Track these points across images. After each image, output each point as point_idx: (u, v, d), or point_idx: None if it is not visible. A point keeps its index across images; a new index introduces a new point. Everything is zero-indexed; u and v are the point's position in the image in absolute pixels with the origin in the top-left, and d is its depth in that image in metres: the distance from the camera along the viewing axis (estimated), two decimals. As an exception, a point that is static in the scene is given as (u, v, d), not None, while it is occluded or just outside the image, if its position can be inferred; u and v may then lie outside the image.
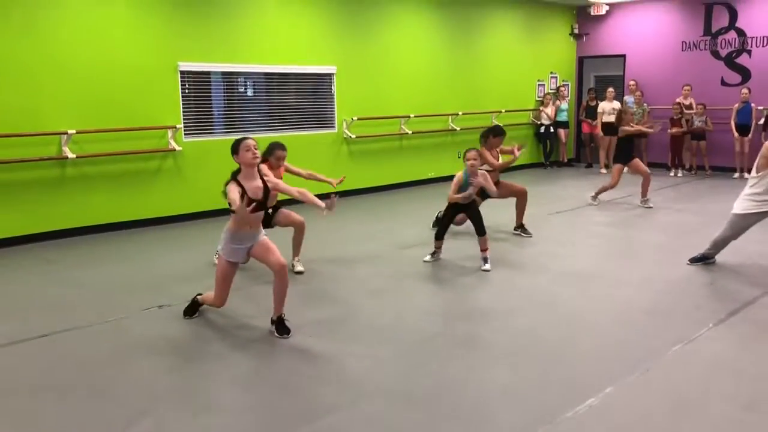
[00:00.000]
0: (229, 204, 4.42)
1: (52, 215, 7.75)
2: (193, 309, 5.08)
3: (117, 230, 8.19)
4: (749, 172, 11.81)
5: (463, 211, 6.54)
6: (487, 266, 6.29)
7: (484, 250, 6.38)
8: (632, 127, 9.45)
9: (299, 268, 6.25)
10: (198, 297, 5.07)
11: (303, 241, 6.31)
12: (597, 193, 9.74)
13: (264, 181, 4.67)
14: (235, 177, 4.58)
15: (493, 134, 7.58)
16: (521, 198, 7.74)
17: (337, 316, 5.11)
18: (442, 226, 6.62)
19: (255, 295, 5.58)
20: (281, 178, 5.97)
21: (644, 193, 9.45)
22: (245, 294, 5.60)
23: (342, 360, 4.26)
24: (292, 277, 6.06)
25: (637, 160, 9.50)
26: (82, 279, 6.23)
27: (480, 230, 6.40)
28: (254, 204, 4.42)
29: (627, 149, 9.43)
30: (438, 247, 6.63)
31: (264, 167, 5.07)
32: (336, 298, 5.60)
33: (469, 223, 6.71)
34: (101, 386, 3.94)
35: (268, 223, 5.88)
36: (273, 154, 6.16)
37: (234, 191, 4.41)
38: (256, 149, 4.58)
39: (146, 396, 3.80)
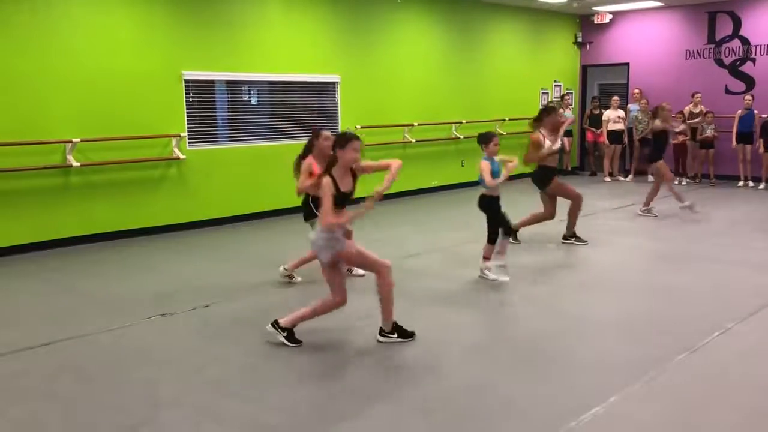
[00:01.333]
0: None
1: (56, 224, 7.76)
2: (292, 337, 4.61)
3: (121, 239, 8.20)
4: (756, 181, 11.89)
5: (496, 208, 6.08)
6: (491, 275, 6.20)
7: (500, 252, 6.12)
8: (670, 125, 9.26)
9: (298, 278, 6.22)
10: (295, 319, 4.62)
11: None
12: (681, 200, 9.21)
13: (353, 173, 4.55)
14: (329, 171, 4.44)
15: (546, 114, 7.26)
16: (576, 203, 7.58)
17: (342, 325, 5.09)
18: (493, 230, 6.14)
19: (256, 301, 5.57)
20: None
21: (648, 201, 9.36)
22: (248, 300, 5.59)
23: (345, 370, 4.24)
24: (288, 283, 6.07)
25: (663, 163, 9.23)
26: (85, 287, 6.23)
27: (497, 235, 6.07)
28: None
29: (661, 147, 9.19)
30: (503, 248, 6.16)
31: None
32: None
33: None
34: (103, 395, 3.93)
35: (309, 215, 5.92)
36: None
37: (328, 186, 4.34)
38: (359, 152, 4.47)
39: (148, 405, 3.79)
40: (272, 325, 4.61)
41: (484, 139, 6.08)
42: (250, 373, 4.21)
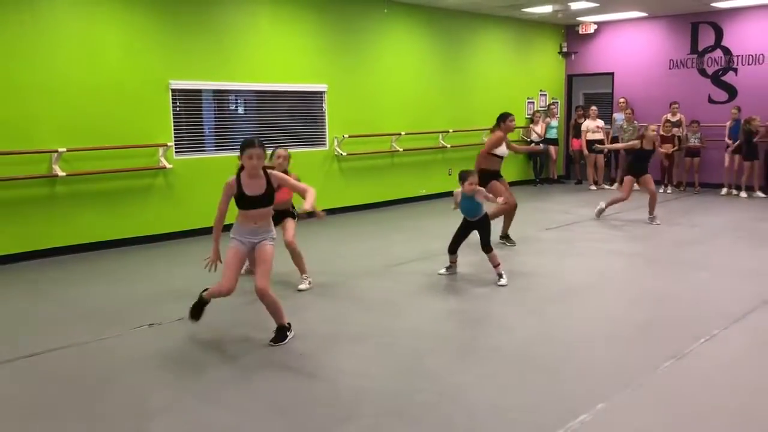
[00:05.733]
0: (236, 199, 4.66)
1: (42, 234, 7.71)
2: (199, 309, 4.92)
3: (107, 248, 8.15)
4: (738, 189, 12.05)
5: (475, 227, 6.53)
6: (503, 281, 6.30)
7: (496, 266, 6.38)
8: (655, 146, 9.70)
9: (301, 286, 6.28)
10: (203, 294, 4.90)
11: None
12: (607, 205, 9.74)
13: (269, 179, 4.72)
14: (238, 172, 4.70)
15: (502, 120, 7.75)
16: (511, 210, 7.89)
17: (329, 332, 5.10)
18: (454, 241, 6.64)
19: (247, 310, 5.56)
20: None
21: (651, 211, 9.45)
22: (237, 309, 5.57)
23: (335, 375, 4.24)
24: (285, 292, 6.06)
25: (648, 177, 9.44)
26: (71, 298, 6.19)
27: (486, 247, 6.40)
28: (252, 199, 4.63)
29: (640, 163, 9.45)
30: (453, 262, 6.70)
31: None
32: (330, 313, 5.59)
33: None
34: (91, 405, 3.91)
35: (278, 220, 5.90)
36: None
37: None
38: (259, 159, 4.66)
39: (137, 415, 3.77)
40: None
41: (460, 177, 6.54)
42: (241, 383, 4.20)
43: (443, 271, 6.71)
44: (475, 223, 6.52)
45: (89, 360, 4.63)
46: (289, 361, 4.55)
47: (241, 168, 4.70)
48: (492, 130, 7.96)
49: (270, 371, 4.39)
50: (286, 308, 4.91)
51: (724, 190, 12.39)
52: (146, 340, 5.02)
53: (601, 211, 9.79)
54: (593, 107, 13.85)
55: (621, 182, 10.48)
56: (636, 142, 9.51)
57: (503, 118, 7.77)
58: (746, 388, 4.03)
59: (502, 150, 7.76)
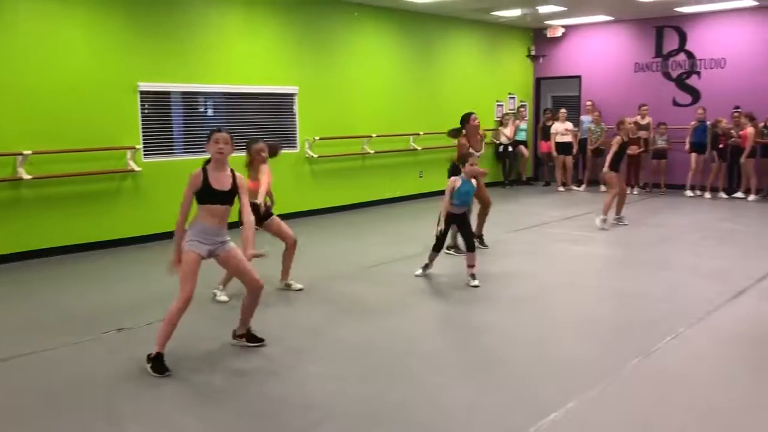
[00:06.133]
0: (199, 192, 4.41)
1: (8, 238, 7.56)
2: (161, 363, 4.34)
3: (75, 252, 8.03)
4: (703, 189, 12.30)
5: (457, 223, 6.51)
6: (476, 282, 6.33)
7: (471, 266, 6.38)
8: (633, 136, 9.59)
9: (298, 285, 6.31)
10: (157, 350, 4.36)
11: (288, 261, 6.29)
12: (605, 213, 9.26)
13: (234, 177, 4.54)
14: (205, 165, 4.49)
15: (465, 121, 7.79)
16: (486, 208, 7.88)
17: (305, 335, 5.09)
18: (442, 238, 6.51)
19: (214, 313, 5.52)
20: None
21: (619, 211, 9.54)
22: (206, 312, 5.53)
23: (308, 380, 4.24)
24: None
25: (621, 175, 9.46)
26: (38, 303, 6.08)
27: (470, 246, 6.38)
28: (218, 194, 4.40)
29: (619, 159, 9.31)
30: (432, 260, 6.65)
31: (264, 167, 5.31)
32: (303, 316, 5.58)
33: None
34: (61, 411, 3.85)
35: (259, 220, 5.61)
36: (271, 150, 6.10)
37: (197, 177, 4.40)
38: (225, 144, 4.47)
39: (107, 421, 3.73)
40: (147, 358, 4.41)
41: (457, 163, 6.57)
42: (213, 388, 4.18)
43: (419, 272, 6.69)
44: (461, 216, 6.46)
45: (58, 365, 4.56)
46: (261, 365, 4.54)
47: (207, 161, 4.51)
48: (456, 134, 7.80)
49: (242, 375, 4.37)
50: (260, 311, 4.89)
51: (689, 192, 12.63)
52: (116, 344, 4.96)
53: (604, 221, 9.26)
54: (563, 110, 14.04)
55: (604, 183, 10.16)
56: (618, 138, 9.22)
57: (466, 120, 7.78)
58: (711, 384, 4.13)
59: (474, 150, 7.69)
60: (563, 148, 13.80)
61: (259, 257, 4.50)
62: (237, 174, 4.59)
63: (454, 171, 7.04)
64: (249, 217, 4.59)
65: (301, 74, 10.45)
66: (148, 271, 7.16)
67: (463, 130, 7.73)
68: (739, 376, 4.29)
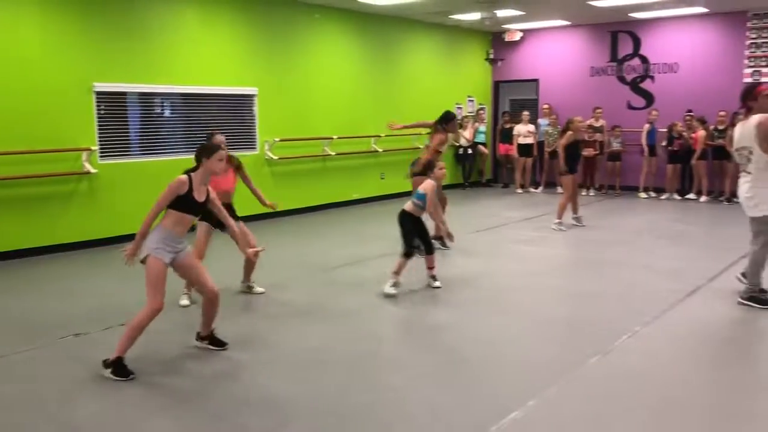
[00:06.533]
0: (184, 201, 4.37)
1: (-44, 242, 7.35)
2: (123, 368, 4.28)
3: (28, 257, 7.82)
4: (658, 191, 12.61)
5: (414, 225, 6.32)
6: (437, 283, 6.36)
7: (431, 268, 6.42)
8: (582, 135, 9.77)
9: (259, 288, 6.29)
10: (118, 354, 4.30)
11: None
12: (559, 217, 9.38)
13: (208, 191, 4.56)
14: (189, 172, 4.46)
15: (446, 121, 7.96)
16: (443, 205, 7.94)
17: (267, 338, 5.06)
18: (410, 242, 6.23)
19: (176, 317, 5.45)
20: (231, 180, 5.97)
21: (575, 211, 9.65)
22: (168, 316, 5.45)
23: (271, 383, 4.22)
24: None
25: (575, 177, 9.61)
26: (-10, 308, 5.93)
27: (429, 248, 6.38)
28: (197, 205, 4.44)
29: (574, 160, 9.43)
30: (401, 271, 6.22)
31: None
32: (262, 319, 5.54)
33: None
34: (16, 421, 3.75)
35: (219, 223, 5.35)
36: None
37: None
38: (223, 161, 4.54)
39: (65, 430, 3.64)
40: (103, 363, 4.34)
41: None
42: (174, 391, 4.12)
43: (392, 291, 6.12)
44: (418, 218, 6.33)
45: (11, 373, 4.45)
46: (224, 368, 4.50)
47: (193, 169, 4.47)
48: (435, 129, 8.02)
49: (205, 379, 4.33)
50: (223, 314, 4.84)
51: (643, 193, 12.93)
52: (73, 349, 4.86)
53: (560, 224, 9.37)
54: (525, 112, 14.21)
55: (560, 185, 10.25)
56: (570, 134, 9.32)
57: (448, 120, 7.99)
58: (666, 380, 4.24)
59: (444, 148, 8.06)
60: (525, 149, 13.97)
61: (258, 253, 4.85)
62: (210, 188, 4.61)
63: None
64: (230, 221, 4.75)
65: (260, 75, 10.38)
66: (105, 276, 7.03)
67: (446, 127, 7.96)
68: (693, 373, 4.41)
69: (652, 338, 5.00)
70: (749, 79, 12.44)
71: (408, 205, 6.33)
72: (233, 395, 4.05)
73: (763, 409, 3.91)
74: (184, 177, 4.40)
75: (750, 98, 5.54)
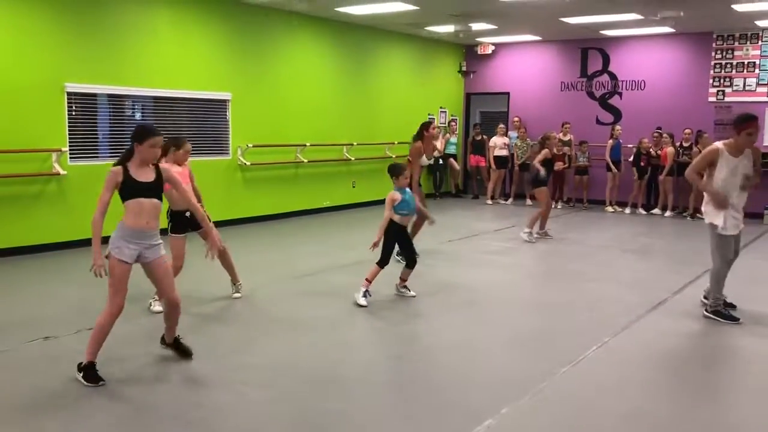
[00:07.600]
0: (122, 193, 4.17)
1: None
2: (94, 373, 4.22)
3: (-8, 258, 7.69)
4: (622, 205, 12.87)
5: (404, 234, 6.26)
6: (412, 292, 6.39)
7: (404, 280, 6.43)
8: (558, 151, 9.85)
9: (237, 294, 6.27)
10: (89, 359, 4.23)
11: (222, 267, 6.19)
12: (530, 226, 9.51)
13: (158, 169, 4.31)
14: (123, 162, 4.21)
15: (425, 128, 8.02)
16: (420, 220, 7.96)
17: (236, 346, 5.04)
18: (388, 253, 6.17)
19: (139, 321, 5.40)
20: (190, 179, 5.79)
21: (543, 225, 9.78)
22: (136, 322, 5.40)
23: (241, 388, 4.20)
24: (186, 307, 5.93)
25: (548, 190, 9.76)
26: (-46, 310, 5.80)
27: (411, 261, 6.30)
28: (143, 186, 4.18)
29: (547, 172, 9.54)
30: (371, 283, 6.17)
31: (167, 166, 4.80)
32: (233, 326, 5.52)
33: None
34: (-18, 424, 3.69)
35: (197, 225, 5.31)
36: (183, 146, 5.72)
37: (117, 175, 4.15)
38: (159, 149, 4.31)
39: (34, 432, 3.60)
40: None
41: (394, 172, 6.15)
42: (144, 396, 4.08)
43: (363, 301, 6.07)
44: (404, 228, 6.25)
45: (-22, 376, 4.36)
46: (192, 375, 4.46)
47: (127, 158, 4.23)
48: (414, 139, 8.09)
49: (173, 384, 4.30)
50: (190, 322, 4.81)
51: (610, 207, 13.16)
52: (42, 354, 4.78)
53: (530, 234, 9.49)
54: (501, 125, 14.39)
55: (532, 198, 10.39)
56: (546, 151, 9.49)
57: (426, 126, 8.06)
58: (635, 390, 4.33)
59: (423, 160, 8.03)
60: (501, 161, 14.12)
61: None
62: (161, 166, 4.39)
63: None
64: (197, 205, 4.67)
65: (235, 81, 10.35)
66: (73, 278, 6.92)
67: (423, 135, 8.01)
68: (661, 382, 4.52)
69: (620, 349, 5.10)
70: (713, 99, 12.80)
71: (395, 215, 6.14)
72: (204, 403, 4.02)
73: (729, 418, 4.02)
74: (117, 167, 4.18)
75: (734, 128, 5.62)
